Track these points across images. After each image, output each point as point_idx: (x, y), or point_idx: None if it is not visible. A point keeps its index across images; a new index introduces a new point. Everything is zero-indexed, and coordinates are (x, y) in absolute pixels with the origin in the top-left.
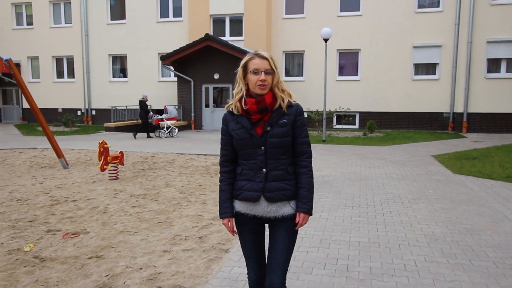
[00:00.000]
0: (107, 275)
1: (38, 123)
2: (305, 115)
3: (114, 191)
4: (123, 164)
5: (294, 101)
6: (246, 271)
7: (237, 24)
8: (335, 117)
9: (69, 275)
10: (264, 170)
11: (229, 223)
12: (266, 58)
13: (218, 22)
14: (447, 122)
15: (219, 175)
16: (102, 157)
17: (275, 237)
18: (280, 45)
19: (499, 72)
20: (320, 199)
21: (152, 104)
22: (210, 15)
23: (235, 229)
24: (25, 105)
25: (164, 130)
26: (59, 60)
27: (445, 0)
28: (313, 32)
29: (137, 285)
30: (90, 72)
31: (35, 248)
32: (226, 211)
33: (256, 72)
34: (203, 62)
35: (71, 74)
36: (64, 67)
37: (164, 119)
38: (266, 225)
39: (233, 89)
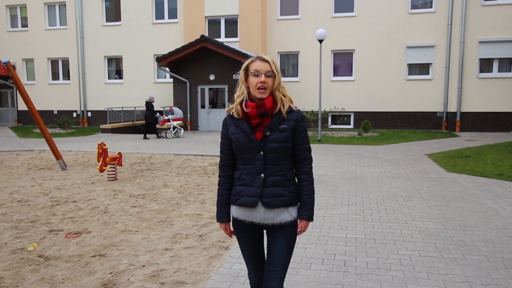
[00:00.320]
0: (111, 273)
1: (34, 125)
2: None
3: (114, 191)
4: (121, 165)
5: (295, 107)
6: (247, 270)
7: (232, 25)
8: (330, 117)
9: (74, 273)
10: (262, 175)
11: (226, 227)
12: (267, 61)
13: (213, 23)
14: (440, 121)
15: (217, 176)
16: (101, 158)
17: (273, 245)
18: (275, 46)
19: (491, 72)
20: (316, 198)
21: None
22: (205, 17)
23: (232, 229)
24: (20, 107)
25: (171, 131)
26: (54, 62)
27: (438, 0)
28: (307, 33)
29: (141, 282)
30: (85, 74)
31: (39, 248)
32: (223, 215)
33: (256, 74)
34: (198, 63)
35: (67, 76)
36: (60, 69)
37: (170, 120)
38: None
39: (228, 90)
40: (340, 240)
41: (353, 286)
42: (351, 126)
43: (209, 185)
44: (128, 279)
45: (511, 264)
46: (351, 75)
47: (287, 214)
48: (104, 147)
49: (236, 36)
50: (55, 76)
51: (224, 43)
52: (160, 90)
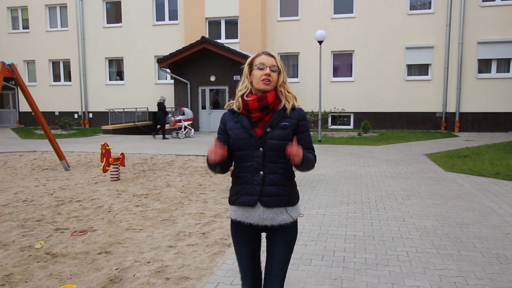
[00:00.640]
0: (117, 269)
1: (36, 126)
2: None
3: (117, 191)
4: (124, 165)
5: (298, 106)
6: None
7: (232, 26)
8: (330, 117)
9: (81, 269)
10: (262, 172)
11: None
12: (272, 56)
13: (213, 24)
14: (439, 121)
15: (219, 176)
16: (104, 159)
17: (273, 249)
18: (275, 47)
19: (490, 72)
20: (316, 197)
21: (149, 106)
22: (206, 18)
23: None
24: (22, 108)
25: (182, 131)
26: (55, 64)
27: (436, 1)
28: (307, 34)
29: (147, 277)
30: (86, 75)
31: (46, 245)
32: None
33: (261, 67)
34: (199, 64)
35: (68, 77)
36: (61, 70)
37: (181, 120)
38: (263, 237)
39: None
40: (339, 238)
41: (351, 281)
42: (351, 126)
43: (211, 185)
44: (134, 275)
45: (505, 260)
46: (351, 76)
47: (286, 215)
48: (107, 147)
49: (237, 37)
50: (56, 78)
51: (225, 44)
52: (161, 91)
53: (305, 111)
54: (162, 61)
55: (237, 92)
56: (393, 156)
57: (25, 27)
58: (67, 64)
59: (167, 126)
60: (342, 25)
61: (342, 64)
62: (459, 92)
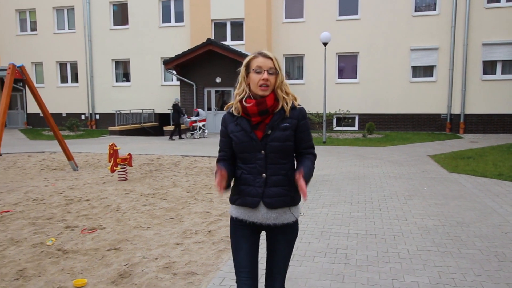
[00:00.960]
0: (126, 264)
1: (43, 127)
2: None
3: (124, 191)
4: (131, 166)
5: (299, 105)
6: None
7: (238, 28)
8: (335, 119)
9: (92, 265)
10: (264, 175)
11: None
12: (269, 58)
13: (219, 26)
14: (444, 123)
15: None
16: (112, 159)
17: (275, 246)
18: (280, 49)
19: (495, 74)
20: (320, 196)
21: (155, 108)
22: (212, 20)
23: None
24: (30, 110)
25: (197, 131)
26: (62, 65)
27: (441, 3)
28: (312, 36)
29: (155, 273)
30: (93, 77)
31: (57, 242)
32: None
33: (258, 71)
34: (205, 66)
35: (75, 79)
36: (68, 72)
37: (197, 121)
38: (262, 235)
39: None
40: (342, 236)
41: (353, 277)
42: (356, 128)
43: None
44: (143, 270)
45: (504, 257)
46: (356, 78)
47: (290, 215)
48: (115, 148)
49: (242, 39)
50: (63, 79)
51: (230, 46)
52: (167, 93)
53: (310, 112)
54: (168, 63)
55: (235, 96)
56: (397, 157)
57: (33, 29)
58: (74, 66)
59: (182, 127)
60: (347, 27)
61: (347, 65)
62: (464, 93)
